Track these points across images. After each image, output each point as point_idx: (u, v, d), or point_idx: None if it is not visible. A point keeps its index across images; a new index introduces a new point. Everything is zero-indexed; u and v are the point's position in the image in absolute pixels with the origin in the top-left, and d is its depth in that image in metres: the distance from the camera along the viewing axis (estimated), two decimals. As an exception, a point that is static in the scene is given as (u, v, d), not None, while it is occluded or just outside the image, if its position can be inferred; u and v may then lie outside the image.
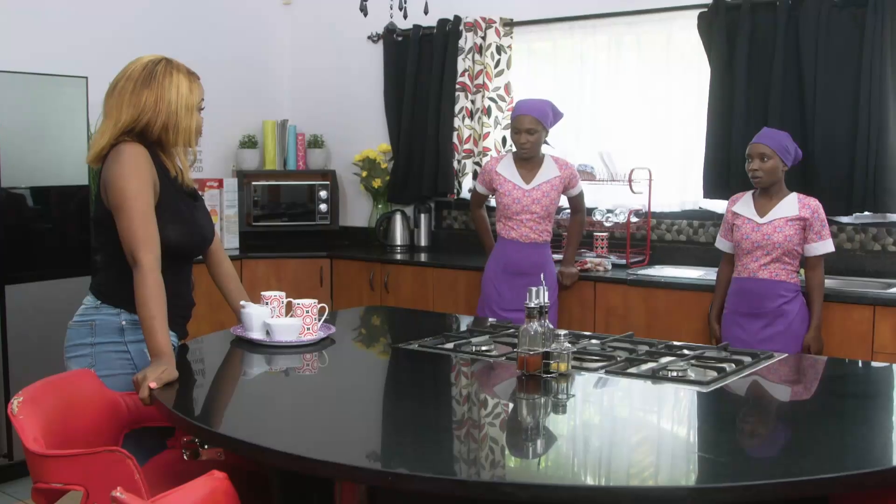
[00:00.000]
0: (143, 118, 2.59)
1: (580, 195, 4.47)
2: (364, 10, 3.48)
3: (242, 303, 3.02)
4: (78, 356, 2.63)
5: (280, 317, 2.99)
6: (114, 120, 2.59)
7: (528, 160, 4.32)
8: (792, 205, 3.77)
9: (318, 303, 3.03)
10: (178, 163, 2.73)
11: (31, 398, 2.26)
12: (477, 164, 5.37)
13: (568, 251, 4.53)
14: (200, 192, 5.38)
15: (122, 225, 2.53)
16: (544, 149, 4.39)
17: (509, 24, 5.29)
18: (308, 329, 2.96)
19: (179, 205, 2.69)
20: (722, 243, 4.01)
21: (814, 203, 3.77)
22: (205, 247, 2.85)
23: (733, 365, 2.62)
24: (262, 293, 3.03)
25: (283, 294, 3.04)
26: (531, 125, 4.22)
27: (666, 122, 4.91)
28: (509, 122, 5.32)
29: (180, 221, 2.67)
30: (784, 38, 4.39)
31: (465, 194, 5.52)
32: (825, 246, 3.76)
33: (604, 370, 2.59)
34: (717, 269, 4.13)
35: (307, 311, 2.96)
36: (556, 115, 4.34)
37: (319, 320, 3.04)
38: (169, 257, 2.65)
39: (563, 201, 4.50)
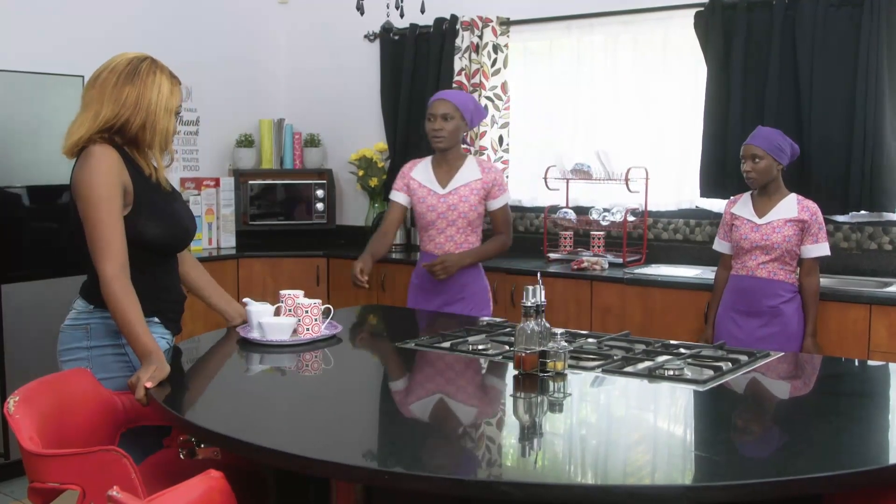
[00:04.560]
0: (123, 115, 2.56)
1: (503, 211, 3.89)
2: (360, 8, 3.47)
3: (245, 300, 3.04)
4: (74, 359, 2.61)
5: (290, 316, 2.99)
6: (93, 113, 2.56)
7: (446, 161, 3.85)
8: (791, 206, 3.78)
9: (323, 303, 3.03)
10: (154, 161, 2.69)
11: (27, 397, 2.26)
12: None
13: (473, 249, 3.87)
14: (197, 192, 5.44)
15: (87, 232, 2.52)
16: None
17: (506, 23, 5.29)
18: (308, 329, 2.96)
19: (156, 200, 2.66)
20: (720, 245, 4.01)
21: (813, 206, 3.78)
22: (188, 239, 2.82)
23: (729, 364, 2.62)
24: (281, 291, 3.03)
25: (301, 293, 3.03)
26: (447, 110, 3.77)
27: (662, 121, 4.92)
28: (506, 121, 5.34)
29: (158, 217, 2.65)
30: (780, 38, 4.40)
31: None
32: (820, 249, 3.76)
33: (600, 369, 2.59)
34: (712, 268, 4.14)
35: (307, 312, 2.96)
36: (479, 112, 3.90)
37: (325, 320, 3.04)
38: (152, 254, 2.64)
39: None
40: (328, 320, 3.07)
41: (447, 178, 3.84)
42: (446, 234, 3.84)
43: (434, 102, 3.84)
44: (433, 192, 3.84)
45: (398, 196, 3.92)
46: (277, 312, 3.01)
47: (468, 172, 3.84)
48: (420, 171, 3.91)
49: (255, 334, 2.95)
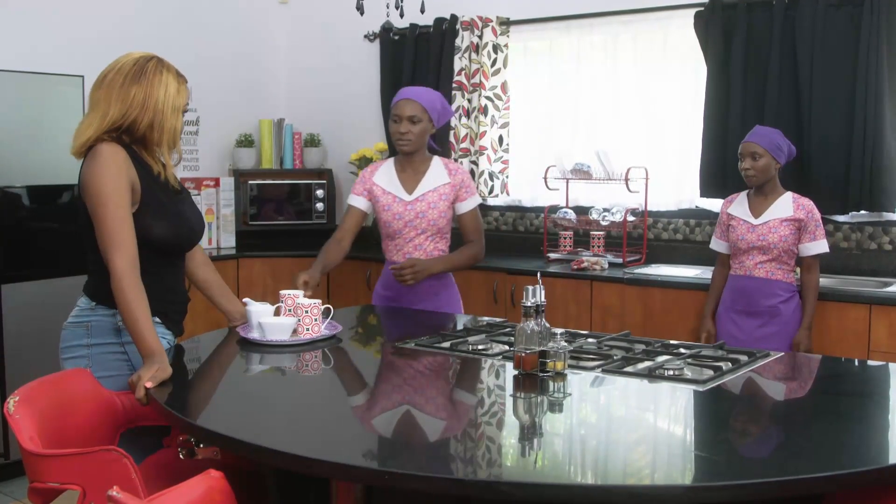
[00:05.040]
0: (131, 114, 2.57)
1: (473, 215, 3.65)
2: (360, 8, 3.47)
3: (245, 300, 3.04)
4: (75, 357, 2.62)
5: (290, 316, 2.99)
6: (101, 112, 2.57)
7: (410, 164, 3.60)
8: (787, 205, 3.79)
9: (322, 303, 3.03)
10: (162, 160, 2.70)
11: (27, 397, 2.26)
12: (474, 163, 5.37)
13: (444, 257, 3.64)
14: (197, 192, 5.44)
15: (97, 228, 2.52)
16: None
17: (506, 23, 5.29)
18: (308, 329, 2.96)
19: (163, 201, 2.67)
20: (717, 244, 4.02)
21: (808, 204, 3.79)
22: (195, 239, 2.84)
23: (729, 364, 2.62)
24: (281, 292, 3.03)
25: (301, 293, 3.04)
26: (414, 112, 3.51)
27: (662, 121, 4.92)
28: (506, 121, 5.34)
29: (165, 217, 2.66)
30: (780, 37, 4.40)
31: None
32: (818, 246, 3.77)
33: (600, 369, 2.59)
34: (712, 268, 4.14)
35: (306, 312, 2.96)
36: (446, 112, 3.64)
37: (325, 320, 3.04)
38: (159, 254, 2.65)
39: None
40: (328, 320, 3.07)
41: (413, 183, 3.59)
42: (414, 243, 3.61)
43: (399, 102, 3.55)
44: (399, 199, 3.58)
45: (358, 201, 3.64)
46: (277, 312, 3.01)
47: (435, 176, 3.60)
48: (383, 176, 3.63)
49: (255, 334, 2.95)
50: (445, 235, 3.67)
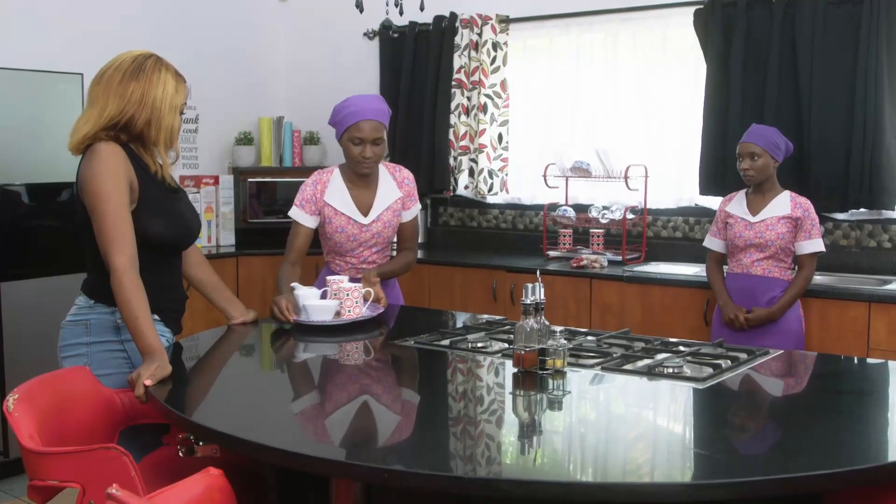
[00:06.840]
0: (128, 111, 2.57)
1: (414, 224, 3.57)
2: (360, 6, 3.47)
3: (293, 285, 3.21)
4: (73, 356, 2.62)
5: (334, 299, 3.16)
6: (99, 108, 2.58)
7: (361, 178, 3.42)
8: (784, 203, 3.79)
9: (363, 287, 3.20)
10: (159, 159, 2.71)
11: (27, 395, 2.26)
12: (473, 160, 5.37)
13: (384, 269, 3.48)
14: (196, 190, 5.43)
15: (96, 227, 2.52)
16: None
17: (505, 21, 5.29)
18: (349, 311, 3.12)
19: (161, 199, 2.67)
20: (711, 241, 4.01)
21: (805, 202, 3.79)
22: (191, 238, 2.84)
23: (729, 361, 2.62)
24: (327, 277, 3.20)
25: (346, 278, 3.21)
26: (379, 134, 3.34)
27: (662, 118, 4.92)
28: (505, 119, 5.33)
29: (163, 215, 2.66)
30: (780, 35, 4.40)
31: (461, 191, 5.52)
32: (814, 245, 3.77)
33: (600, 367, 2.59)
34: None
35: (347, 294, 3.12)
36: (389, 116, 3.51)
37: (365, 303, 3.21)
38: (156, 252, 2.65)
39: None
40: (369, 302, 3.24)
41: (366, 201, 3.43)
42: (362, 257, 3.50)
43: (361, 124, 3.34)
44: (354, 221, 3.41)
45: (308, 220, 3.43)
46: (324, 296, 3.17)
47: (387, 191, 3.46)
48: (334, 195, 3.41)
49: (301, 316, 3.11)
50: (391, 242, 3.60)
